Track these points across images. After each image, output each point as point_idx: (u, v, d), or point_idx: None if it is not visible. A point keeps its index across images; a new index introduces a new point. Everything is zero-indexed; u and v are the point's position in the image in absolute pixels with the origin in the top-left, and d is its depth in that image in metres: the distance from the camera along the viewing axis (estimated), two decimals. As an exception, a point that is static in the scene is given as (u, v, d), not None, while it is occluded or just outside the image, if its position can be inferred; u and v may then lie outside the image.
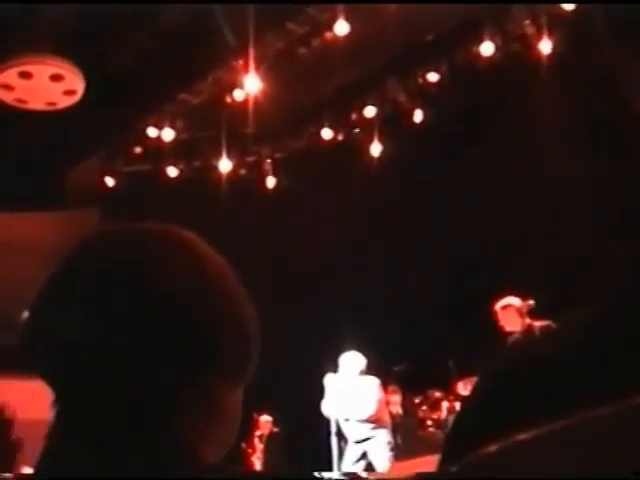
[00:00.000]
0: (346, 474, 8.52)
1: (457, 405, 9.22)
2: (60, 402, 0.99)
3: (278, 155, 12.44)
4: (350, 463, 8.91)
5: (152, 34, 9.26)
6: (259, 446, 11.57)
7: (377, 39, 9.53)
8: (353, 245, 11.38)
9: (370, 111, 11.38)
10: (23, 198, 10.62)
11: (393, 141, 11.47)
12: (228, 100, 10.57)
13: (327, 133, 11.76)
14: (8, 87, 9.24)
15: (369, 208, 11.18)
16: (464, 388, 9.05)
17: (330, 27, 9.42)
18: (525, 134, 10.17)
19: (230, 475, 0.99)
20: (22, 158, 10.35)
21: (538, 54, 9.93)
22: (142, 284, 0.99)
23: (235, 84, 10.34)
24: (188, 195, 11.19)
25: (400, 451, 9.15)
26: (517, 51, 10.20)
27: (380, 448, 8.97)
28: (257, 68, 9.75)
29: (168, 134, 11.28)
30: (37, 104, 9.55)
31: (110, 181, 11.91)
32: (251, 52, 9.41)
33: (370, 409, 8.84)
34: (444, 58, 10.57)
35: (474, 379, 8.57)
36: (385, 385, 9.44)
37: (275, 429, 11.53)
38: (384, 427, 9.09)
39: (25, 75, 9.03)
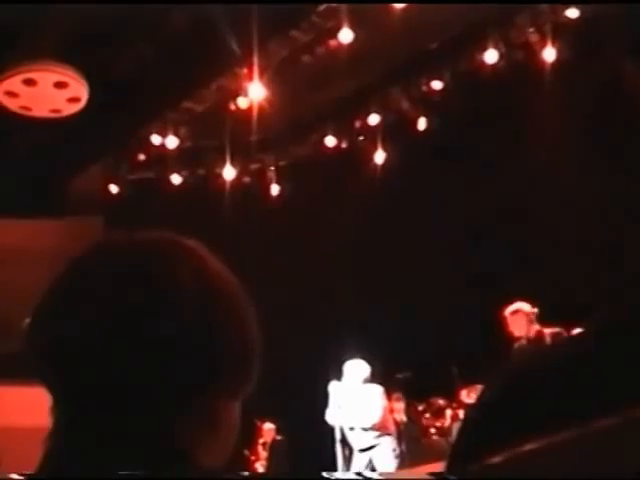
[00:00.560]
0: (355, 473, 8.51)
1: (460, 413, 9.21)
2: (59, 410, 0.99)
3: (282, 163, 12.45)
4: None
5: (156, 41, 9.28)
6: (263, 453, 11.55)
7: (381, 47, 9.55)
8: (356, 252, 11.38)
9: (374, 119, 11.38)
10: (26, 205, 10.63)
11: (397, 149, 11.47)
12: (232, 108, 10.58)
13: (331, 141, 11.77)
14: (13, 94, 9.26)
15: (372, 215, 11.18)
16: (467, 396, 9.03)
17: (334, 35, 9.42)
18: (529, 141, 10.17)
19: (233, 477, 0.99)
20: (26, 165, 10.37)
21: (542, 62, 9.94)
22: (148, 295, 0.98)
23: (239, 92, 10.35)
24: (192, 202, 11.20)
25: (404, 458, 9.13)
26: (521, 59, 10.21)
27: (385, 456, 8.96)
28: (261, 76, 9.76)
29: (172, 142, 11.28)
30: (41, 111, 9.57)
31: (114, 188, 11.92)
32: (255, 60, 9.41)
33: (375, 417, 8.83)
34: (448, 66, 10.58)
35: (478, 387, 8.58)
36: (388, 393, 9.42)
37: (278, 437, 11.51)
38: (389, 434, 9.07)
39: (29, 82, 9.05)
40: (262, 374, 1.07)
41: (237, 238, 9.80)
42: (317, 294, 11.19)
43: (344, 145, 11.92)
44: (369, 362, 9.05)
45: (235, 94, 10.44)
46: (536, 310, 7.98)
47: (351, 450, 9.08)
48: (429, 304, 10.42)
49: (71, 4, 8.15)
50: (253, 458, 11.53)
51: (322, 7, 9.24)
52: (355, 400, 8.81)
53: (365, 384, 8.95)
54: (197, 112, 10.85)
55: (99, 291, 0.99)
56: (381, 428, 8.94)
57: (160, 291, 0.99)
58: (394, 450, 9.05)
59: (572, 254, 9.34)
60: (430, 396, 10.01)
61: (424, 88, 10.91)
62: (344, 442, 9.06)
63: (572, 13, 9.53)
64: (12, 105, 9.41)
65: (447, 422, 9.58)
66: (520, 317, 7.90)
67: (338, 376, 9.01)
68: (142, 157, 11.91)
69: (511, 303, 8.02)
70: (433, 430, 9.79)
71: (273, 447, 11.50)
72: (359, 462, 8.96)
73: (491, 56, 10.02)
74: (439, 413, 9.82)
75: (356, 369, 8.97)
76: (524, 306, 7.95)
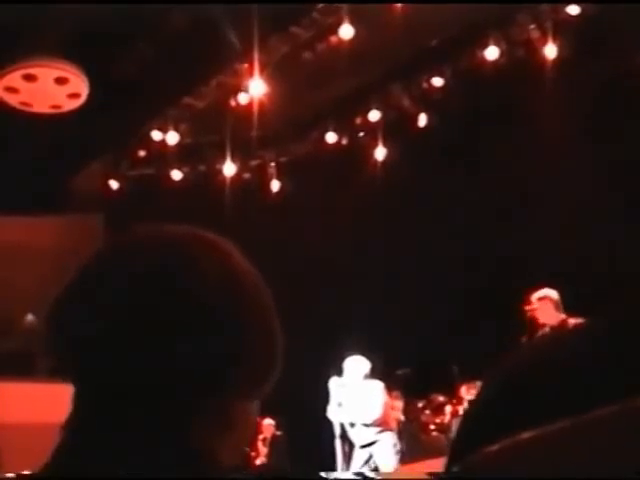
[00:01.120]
0: (354, 473, 8.52)
1: (460, 409, 9.21)
2: (76, 407, 0.97)
3: (282, 159, 12.44)
4: (356, 467, 8.89)
5: (157, 38, 9.27)
6: (263, 449, 11.55)
7: (382, 43, 9.54)
8: (356, 248, 11.38)
9: (374, 115, 11.37)
10: (27, 201, 10.63)
11: (397, 146, 11.47)
12: (232, 104, 10.58)
13: (331, 137, 11.77)
14: (13, 90, 9.26)
15: (372, 212, 11.17)
16: (467, 392, 9.03)
17: (335, 31, 9.42)
18: (529, 138, 10.17)
19: (244, 476, 0.98)
20: (26, 162, 10.37)
21: (543, 59, 9.93)
22: (168, 294, 0.95)
23: (239, 88, 10.35)
24: (192, 199, 11.19)
25: (403, 455, 9.14)
26: (521, 56, 10.20)
27: (386, 451, 8.95)
28: (261, 72, 9.75)
29: (172, 138, 11.28)
30: (42, 107, 9.58)
31: (114, 184, 11.92)
32: (256, 56, 9.41)
33: (375, 413, 8.83)
34: (448, 63, 10.57)
35: (477, 383, 8.56)
36: (388, 389, 9.42)
37: (278, 432, 11.51)
38: (389, 430, 9.07)
39: (30, 78, 9.06)
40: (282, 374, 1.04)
41: (237, 234, 9.78)
42: (317, 290, 11.19)
43: (345, 142, 11.92)
44: (368, 358, 9.05)
45: (236, 90, 10.43)
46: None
47: (351, 446, 9.08)
48: (429, 300, 10.42)
49: (71, 4, 8.16)
50: (253, 454, 11.53)
51: (322, 4, 9.24)
52: (356, 396, 8.81)
53: (366, 380, 8.95)
54: (198, 108, 10.85)
55: (117, 290, 0.96)
56: (382, 424, 8.94)
57: (182, 290, 0.96)
58: (395, 445, 9.05)
59: (572, 254, 9.32)
60: (429, 392, 10.02)
61: (425, 85, 10.90)
62: (344, 438, 9.06)
63: (573, 10, 9.53)
64: (12, 101, 9.42)
65: (447, 419, 9.58)
66: (547, 303, 7.73)
67: (338, 372, 9.01)
68: (143, 153, 11.90)
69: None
70: (432, 427, 9.80)
71: (273, 443, 11.50)
72: (359, 458, 8.97)
73: (492, 53, 10.02)
74: (438, 409, 9.83)
75: (356, 365, 8.96)
76: (552, 293, 7.80)
